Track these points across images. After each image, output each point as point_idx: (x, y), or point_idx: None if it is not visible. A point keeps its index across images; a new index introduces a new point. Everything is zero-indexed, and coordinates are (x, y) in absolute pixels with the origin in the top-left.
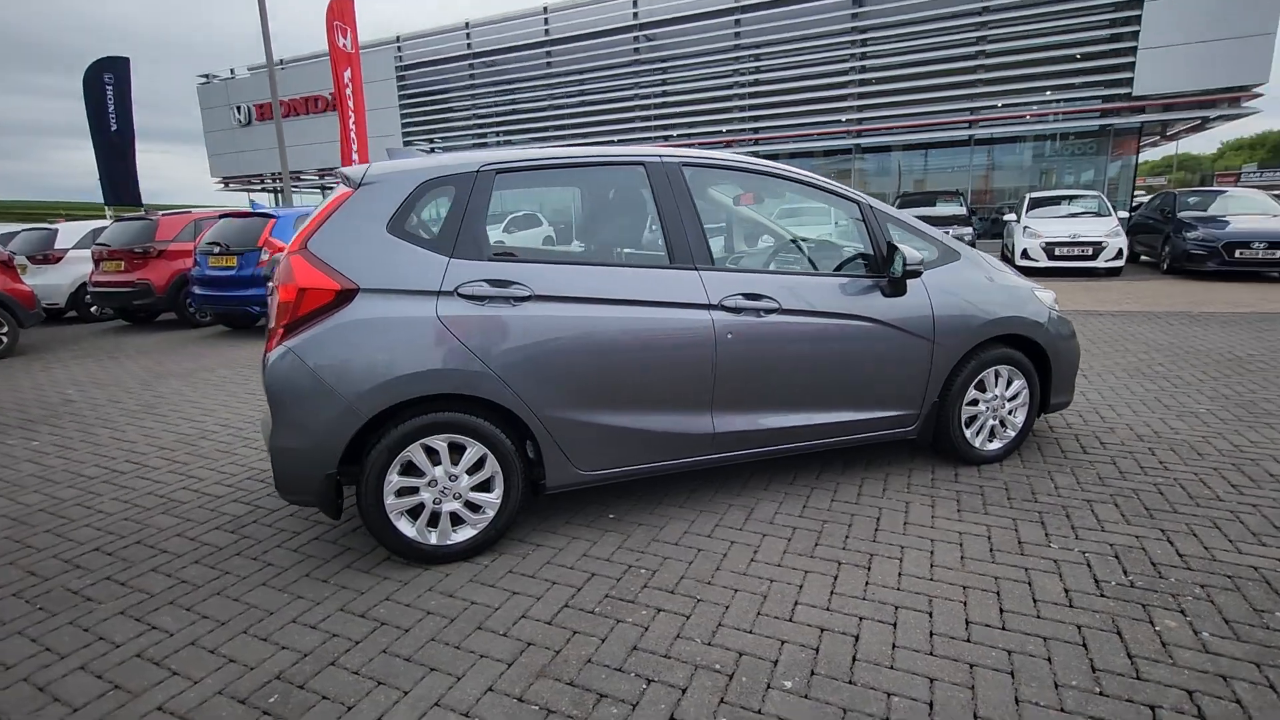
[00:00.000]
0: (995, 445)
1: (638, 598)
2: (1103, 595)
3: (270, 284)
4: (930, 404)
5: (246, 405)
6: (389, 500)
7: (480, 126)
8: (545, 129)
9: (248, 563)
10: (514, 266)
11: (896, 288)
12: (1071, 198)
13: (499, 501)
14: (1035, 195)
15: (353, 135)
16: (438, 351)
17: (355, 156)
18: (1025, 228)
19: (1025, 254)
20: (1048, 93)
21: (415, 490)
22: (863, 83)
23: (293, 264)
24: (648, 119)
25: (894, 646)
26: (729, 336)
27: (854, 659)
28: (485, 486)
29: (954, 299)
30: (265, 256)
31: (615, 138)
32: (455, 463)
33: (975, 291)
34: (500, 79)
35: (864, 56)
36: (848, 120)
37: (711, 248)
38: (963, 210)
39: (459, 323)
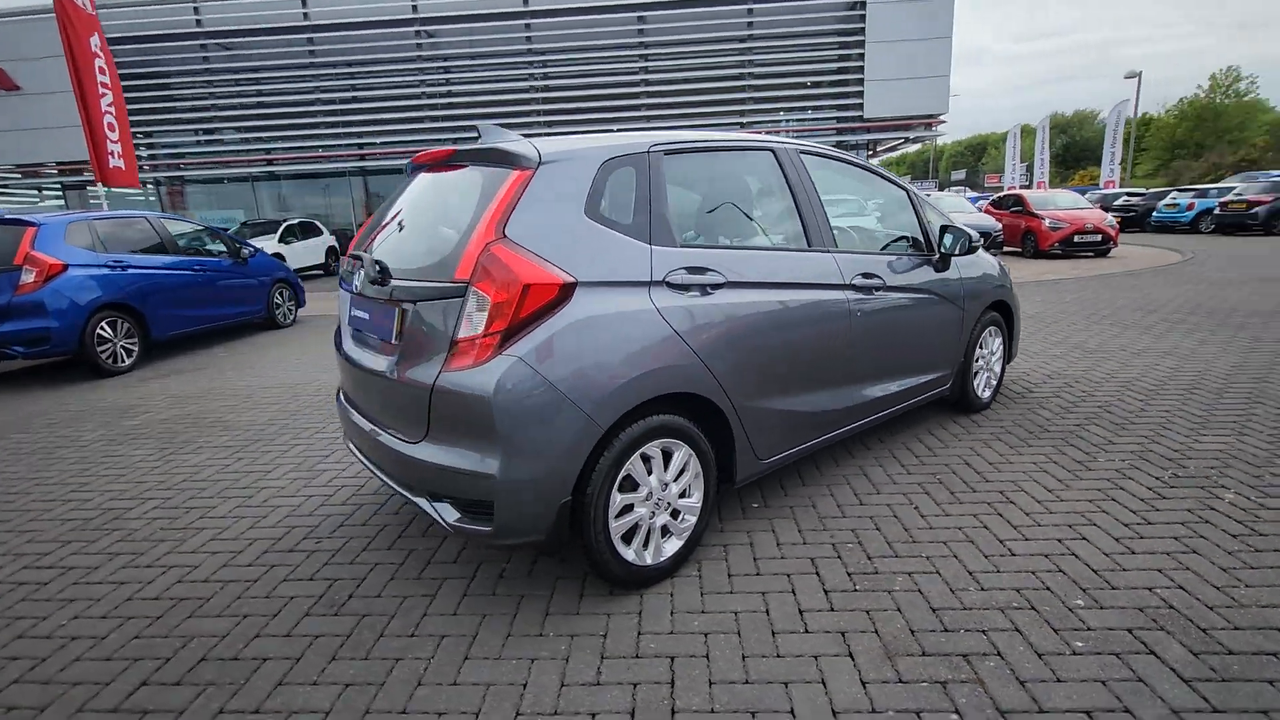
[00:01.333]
0: (988, 394)
1: (875, 566)
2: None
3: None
4: (959, 363)
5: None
6: (613, 524)
7: (212, 117)
8: (306, 123)
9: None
10: (705, 253)
11: (944, 263)
12: None
13: (699, 505)
14: None
15: (112, 121)
16: (663, 347)
17: (117, 151)
18: None
19: None
20: (803, 112)
21: (631, 508)
22: (649, 94)
23: (502, 256)
24: (435, 117)
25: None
26: (858, 313)
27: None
28: (684, 492)
29: (972, 272)
30: (29, 279)
31: (401, 135)
32: (665, 469)
33: (980, 266)
34: (241, 64)
35: (648, 70)
36: (638, 131)
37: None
38: None
39: (673, 314)
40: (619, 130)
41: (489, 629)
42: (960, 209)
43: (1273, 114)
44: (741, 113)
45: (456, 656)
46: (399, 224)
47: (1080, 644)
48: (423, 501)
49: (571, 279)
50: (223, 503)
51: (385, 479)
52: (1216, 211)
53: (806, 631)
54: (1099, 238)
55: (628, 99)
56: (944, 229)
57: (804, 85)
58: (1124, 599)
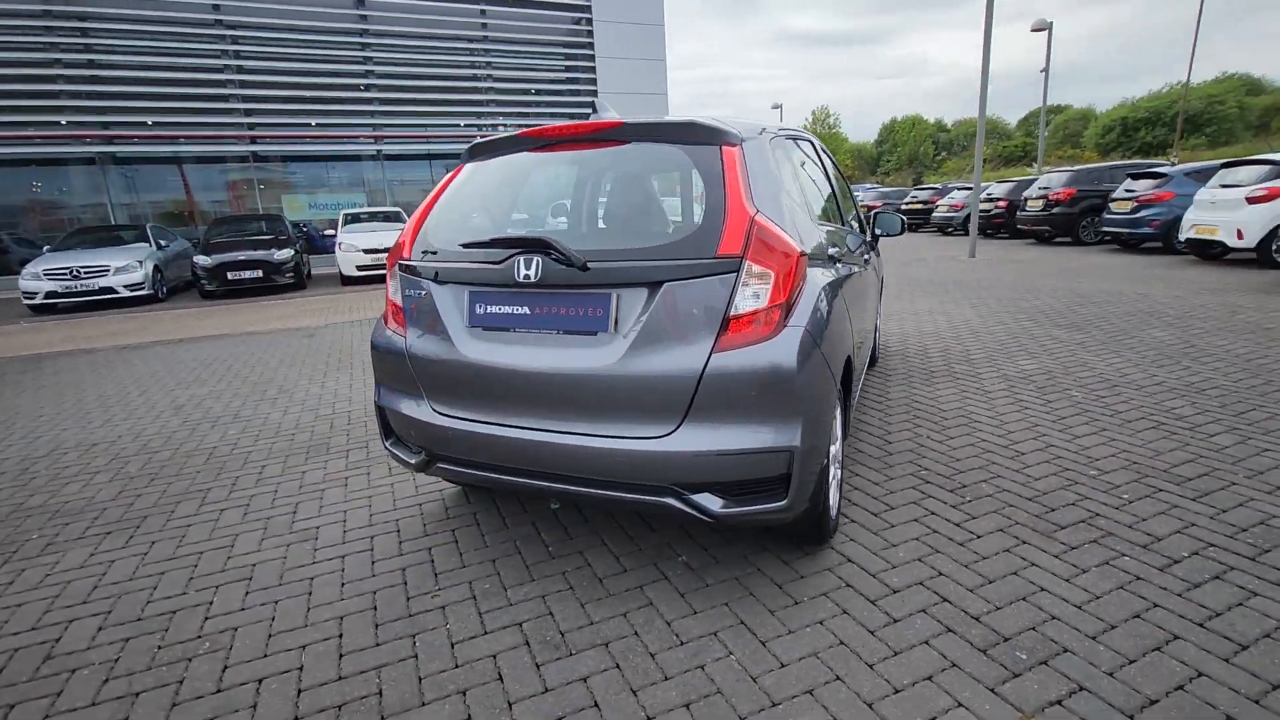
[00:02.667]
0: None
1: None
2: None
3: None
4: (877, 328)
5: None
6: (832, 481)
7: None
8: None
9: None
10: (822, 228)
11: (875, 244)
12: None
13: (840, 454)
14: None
15: None
16: (842, 313)
17: None
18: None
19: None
20: (539, 118)
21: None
22: (369, 88)
23: (770, 229)
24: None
25: None
26: (861, 278)
27: None
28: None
29: (878, 256)
30: None
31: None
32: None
33: (876, 251)
34: None
35: (372, 61)
36: (359, 126)
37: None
38: None
39: (833, 284)
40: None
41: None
42: None
43: (848, 143)
44: (479, 114)
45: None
46: (553, 204)
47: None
48: (666, 500)
49: (803, 249)
50: None
51: (580, 489)
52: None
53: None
54: None
55: (348, 89)
56: (875, 216)
57: (542, 90)
58: None
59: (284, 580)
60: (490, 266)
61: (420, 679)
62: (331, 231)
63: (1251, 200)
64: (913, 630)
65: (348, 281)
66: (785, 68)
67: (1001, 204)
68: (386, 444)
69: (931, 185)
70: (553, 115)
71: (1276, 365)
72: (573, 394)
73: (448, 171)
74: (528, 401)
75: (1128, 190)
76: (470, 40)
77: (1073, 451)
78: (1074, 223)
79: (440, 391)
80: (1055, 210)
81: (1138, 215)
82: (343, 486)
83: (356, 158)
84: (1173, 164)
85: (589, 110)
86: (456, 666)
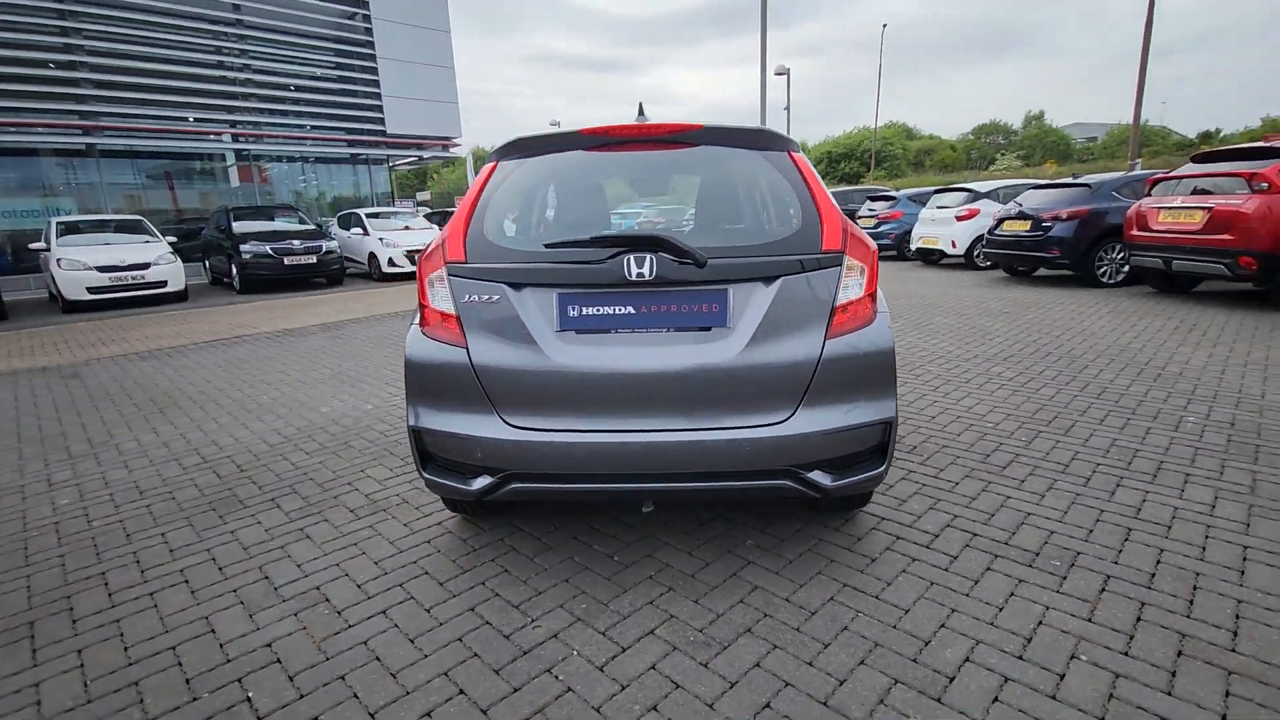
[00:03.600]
0: None
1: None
2: None
3: None
4: None
5: None
6: None
7: None
8: None
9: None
10: None
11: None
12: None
13: None
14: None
15: None
16: None
17: None
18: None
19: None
20: (314, 118)
21: None
22: (75, 65)
23: (856, 227)
24: None
25: None
26: None
27: None
28: None
29: None
30: None
31: None
32: None
33: None
34: None
35: (70, 33)
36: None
37: None
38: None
39: None
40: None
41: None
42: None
43: None
44: (230, 108)
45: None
46: (642, 205)
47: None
48: (783, 482)
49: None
50: None
51: (688, 485)
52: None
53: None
54: None
55: (38, 65)
56: None
57: (308, 88)
58: None
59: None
60: (588, 266)
61: (597, 709)
62: (41, 245)
63: (959, 218)
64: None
65: (72, 309)
66: (539, 86)
67: None
68: (425, 473)
69: None
70: (328, 116)
71: (1034, 336)
72: (690, 390)
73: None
74: (635, 403)
75: (869, 210)
76: (215, 23)
77: (965, 411)
78: None
79: (519, 403)
80: None
81: (879, 230)
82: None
83: (63, 152)
84: (896, 189)
85: (380, 116)
86: (624, 688)
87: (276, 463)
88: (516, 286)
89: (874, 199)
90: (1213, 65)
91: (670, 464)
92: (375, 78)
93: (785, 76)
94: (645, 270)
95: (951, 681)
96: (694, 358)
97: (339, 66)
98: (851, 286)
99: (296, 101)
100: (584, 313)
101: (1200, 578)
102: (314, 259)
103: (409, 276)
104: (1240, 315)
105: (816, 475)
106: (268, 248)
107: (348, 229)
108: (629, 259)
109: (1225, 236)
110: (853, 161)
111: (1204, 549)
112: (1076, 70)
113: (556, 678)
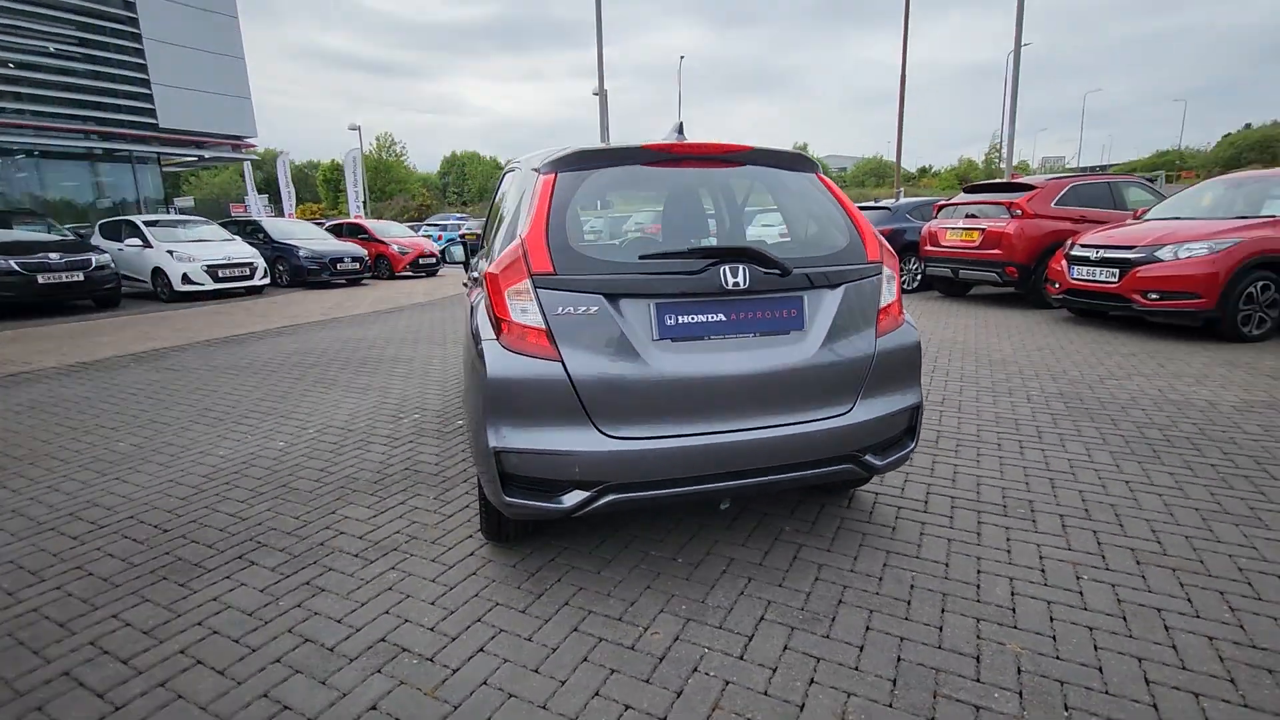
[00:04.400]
0: None
1: None
2: None
3: None
4: None
5: None
6: None
7: None
8: None
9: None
10: None
11: None
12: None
13: None
14: None
15: None
16: None
17: None
18: None
19: None
20: (45, 102)
21: None
22: None
23: (885, 240)
24: None
25: None
26: None
27: None
28: None
29: None
30: None
31: None
32: None
33: None
34: None
35: None
36: None
37: None
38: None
39: None
40: None
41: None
42: (313, 236)
43: (417, 173)
44: None
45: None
46: (716, 218)
47: None
48: (846, 466)
49: None
50: None
51: (768, 478)
52: (461, 240)
53: None
54: (433, 260)
55: None
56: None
57: (38, 66)
58: None
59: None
60: (685, 276)
61: (765, 693)
62: None
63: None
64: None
65: None
66: (308, 85)
67: None
68: (508, 497)
69: None
70: (68, 103)
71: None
72: (773, 390)
73: None
74: (726, 405)
75: None
76: None
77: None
78: None
79: (618, 413)
80: None
81: None
82: None
83: None
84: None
85: (150, 107)
86: (775, 670)
87: (208, 516)
88: (613, 297)
89: None
90: (920, 111)
91: (755, 459)
92: (141, 61)
93: (600, 97)
94: (740, 279)
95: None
96: (777, 359)
97: (84, 44)
98: (889, 291)
99: (16, 81)
100: (680, 321)
101: (1114, 505)
102: (80, 276)
103: (213, 295)
104: (1010, 312)
105: (869, 457)
106: (11, 262)
107: (119, 239)
108: (724, 269)
109: (995, 251)
110: None
111: (1104, 486)
112: (825, 109)
113: (708, 675)
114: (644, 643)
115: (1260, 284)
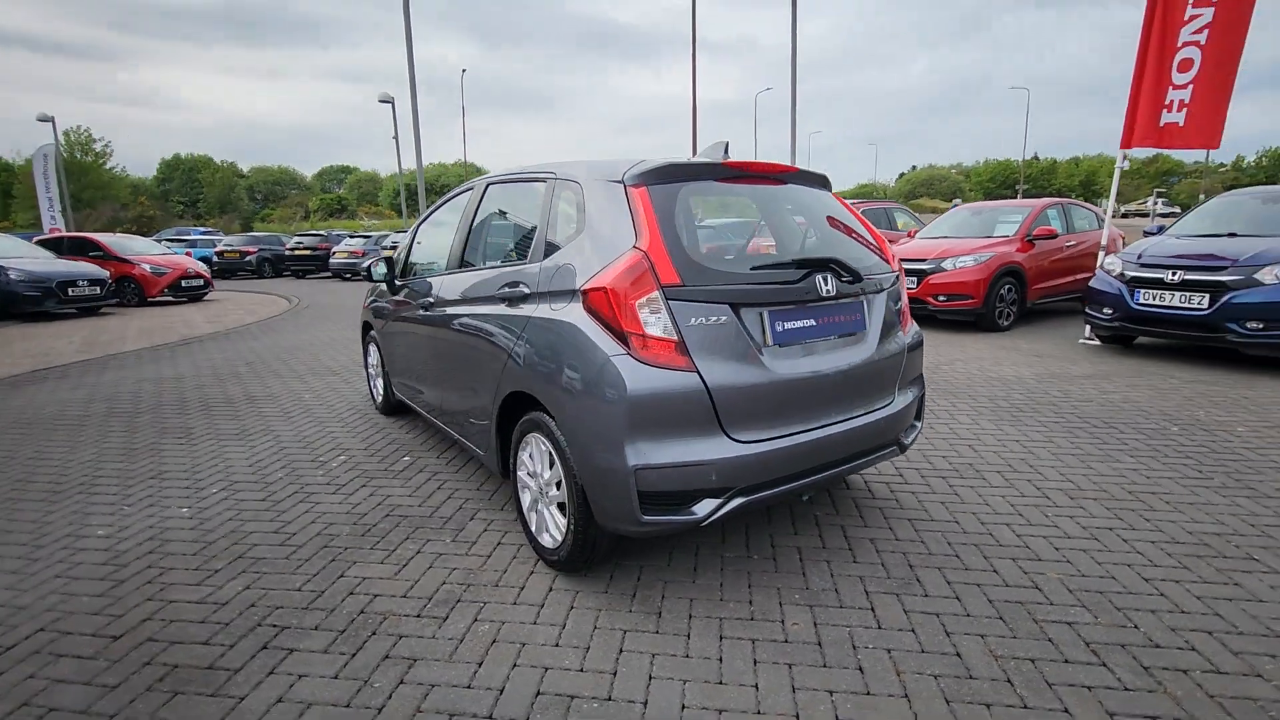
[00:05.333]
0: None
1: None
2: None
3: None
4: None
5: None
6: None
7: None
8: None
9: None
10: None
11: None
12: None
13: None
14: None
15: None
16: None
17: None
18: None
19: None
20: None
21: None
22: None
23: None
24: None
25: None
26: None
27: None
28: None
29: None
30: None
31: None
32: None
33: None
34: None
35: None
36: None
37: None
38: None
39: None
40: None
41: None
42: (25, 253)
43: (127, 178)
44: None
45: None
46: (800, 231)
47: None
48: (892, 448)
49: None
50: None
51: (844, 467)
52: (214, 260)
53: None
54: (200, 282)
55: None
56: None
57: None
58: None
59: None
60: (789, 285)
61: (958, 653)
62: None
63: None
64: None
65: None
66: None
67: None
68: (645, 516)
69: (317, 232)
70: None
71: None
72: (850, 386)
73: None
74: (821, 402)
75: None
76: None
77: None
78: None
79: (746, 418)
80: None
81: None
82: None
83: None
84: None
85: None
86: (923, 650)
87: (166, 609)
88: (735, 306)
89: None
90: (678, 139)
91: (841, 451)
92: None
93: (390, 104)
94: (830, 287)
95: None
96: (850, 358)
97: None
98: (904, 295)
99: None
100: (786, 327)
101: (1024, 459)
102: None
103: None
104: None
105: (902, 437)
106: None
107: None
108: (818, 278)
109: None
110: (433, 195)
111: (1002, 445)
112: (598, 131)
113: (869, 648)
114: (794, 633)
115: (1006, 287)
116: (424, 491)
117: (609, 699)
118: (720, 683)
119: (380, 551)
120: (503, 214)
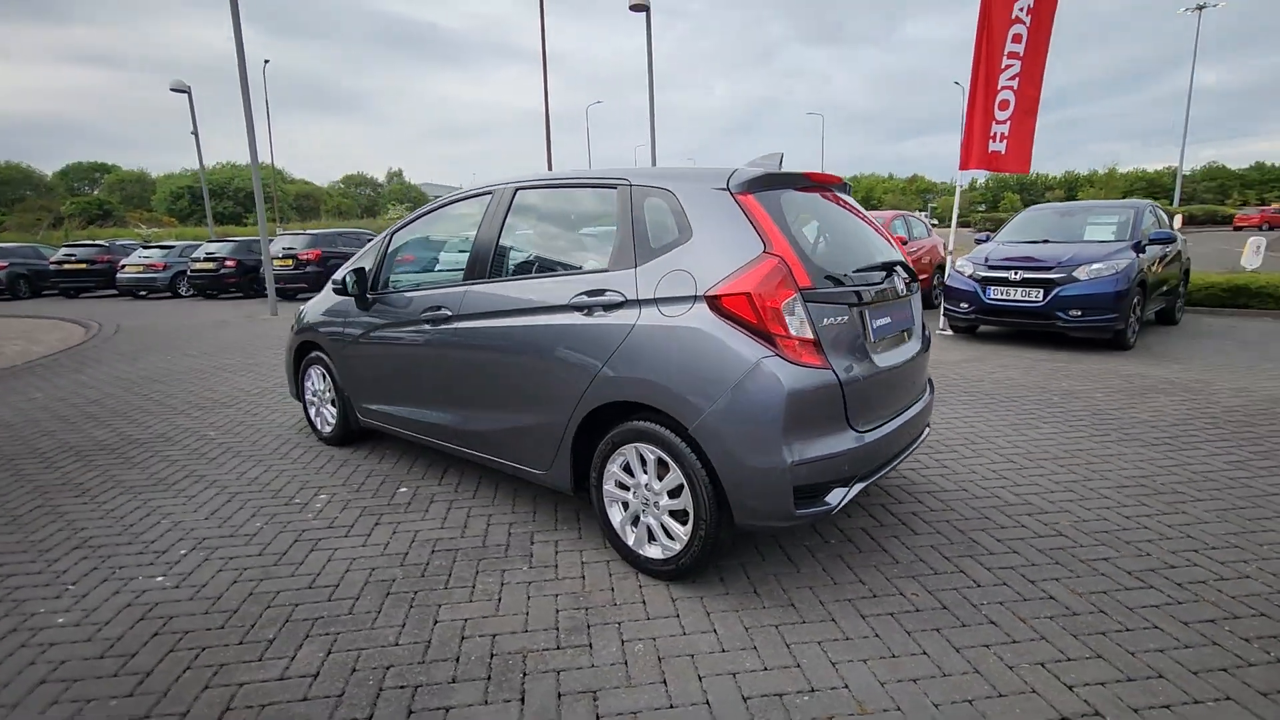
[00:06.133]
0: None
1: None
2: None
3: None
4: None
5: None
6: None
7: None
8: None
9: None
10: None
11: None
12: None
13: None
14: None
15: None
16: None
17: None
18: None
19: None
20: None
21: None
22: None
23: None
24: None
25: None
26: None
27: None
28: None
29: None
30: None
31: None
32: None
33: None
34: None
35: None
36: None
37: None
38: None
39: None
40: None
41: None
42: None
43: None
44: None
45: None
46: (859, 239)
47: None
48: (928, 431)
49: None
50: None
51: (910, 449)
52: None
53: None
54: None
55: None
56: None
57: None
58: None
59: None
60: (880, 286)
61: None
62: None
63: None
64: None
65: None
66: None
67: (230, 263)
68: (799, 510)
69: (96, 242)
70: None
71: None
72: (913, 375)
73: None
74: (900, 392)
75: None
76: None
77: None
78: (326, 279)
79: (862, 409)
80: (309, 269)
81: None
82: None
83: None
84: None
85: None
86: (1070, 612)
87: (252, 690)
88: (851, 306)
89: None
90: (501, 148)
91: (910, 434)
92: None
93: (186, 94)
94: (901, 286)
95: None
96: (910, 350)
97: None
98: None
99: None
100: (879, 323)
101: (997, 437)
102: None
103: None
104: None
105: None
106: None
107: None
108: (895, 277)
109: None
110: (225, 200)
111: (970, 425)
112: (406, 136)
113: (1001, 604)
114: (919, 602)
115: None
116: (455, 521)
117: (812, 690)
118: (894, 656)
119: (459, 589)
120: (553, 221)
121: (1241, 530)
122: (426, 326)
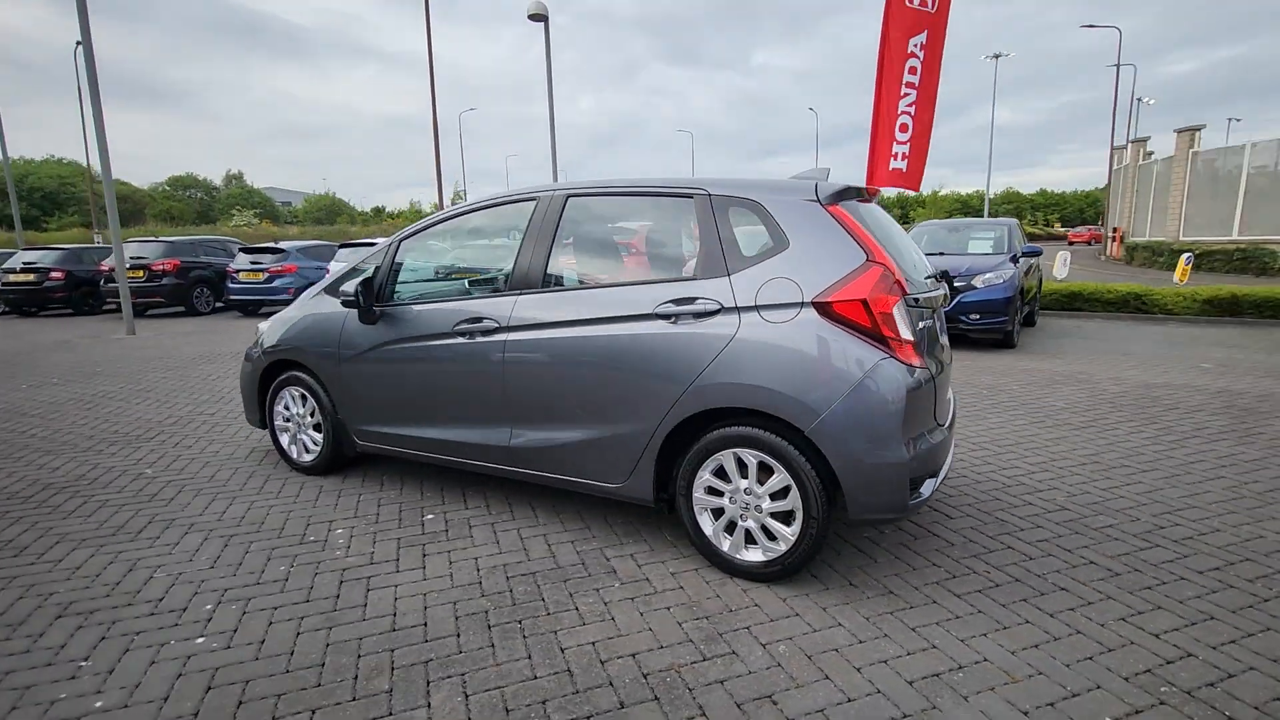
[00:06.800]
0: None
1: None
2: None
3: None
4: None
5: None
6: None
7: None
8: None
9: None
10: None
11: None
12: None
13: None
14: None
15: None
16: None
17: None
18: None
19: None
20: None
21: None
22: None
23: None
24: None
25: None
26: None
27: None
28: None
29: None
30: None
31: None
32: None
33: None
34: None
35: None
36: None
37: None
38: None
39: None
40: None
41: None
42: None
43: None
44: None
45: None
46: (911, 248)
47: None
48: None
49: None
50: None
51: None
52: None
53: None
54: None
55: None
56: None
57: None
58: None
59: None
60: (938, 292)
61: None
62: None
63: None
64: None
65: None
66: None
67: (57, 274)
68: (912, 500)
69: None
70: None
71: None
72: (947, 375)
73: None
74: (941, 390)
75: (254, 263)
76: None
77: None
78: (187, 292)
79: (938, 405)
80: (165, 281)
81: (273, 284)
82: None
83: None
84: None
85: None
86: (1154, 586)
87: None
88: (931, 309)
89: (251, 251)
90: (347, 152)
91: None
92: None
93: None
94: (948, 292)
95: None
96: (949, 354)
97: None
98: None
99: None
100: (923, 325)
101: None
102: None
103: None
104: None
105: None
106: None
107: None
108: (943, 284)
109: None
110: (39, 196)
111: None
112: (241, 136)
113: (1095, 580)
114: (999, 577)
115: None
116: (510, 544)
117: (960, 667)
118: (1005, 628)
119: (565, 613)
120: (616, 229)
121: (1191, 493)
122: (460, 340)
